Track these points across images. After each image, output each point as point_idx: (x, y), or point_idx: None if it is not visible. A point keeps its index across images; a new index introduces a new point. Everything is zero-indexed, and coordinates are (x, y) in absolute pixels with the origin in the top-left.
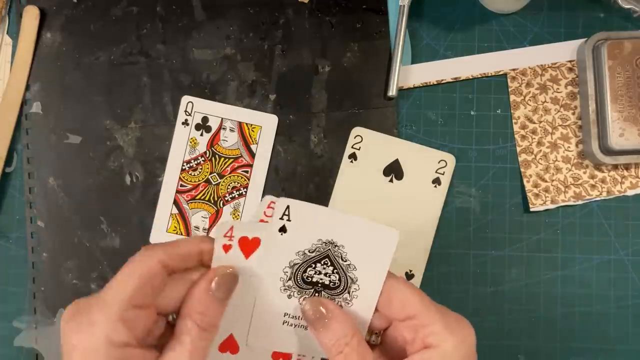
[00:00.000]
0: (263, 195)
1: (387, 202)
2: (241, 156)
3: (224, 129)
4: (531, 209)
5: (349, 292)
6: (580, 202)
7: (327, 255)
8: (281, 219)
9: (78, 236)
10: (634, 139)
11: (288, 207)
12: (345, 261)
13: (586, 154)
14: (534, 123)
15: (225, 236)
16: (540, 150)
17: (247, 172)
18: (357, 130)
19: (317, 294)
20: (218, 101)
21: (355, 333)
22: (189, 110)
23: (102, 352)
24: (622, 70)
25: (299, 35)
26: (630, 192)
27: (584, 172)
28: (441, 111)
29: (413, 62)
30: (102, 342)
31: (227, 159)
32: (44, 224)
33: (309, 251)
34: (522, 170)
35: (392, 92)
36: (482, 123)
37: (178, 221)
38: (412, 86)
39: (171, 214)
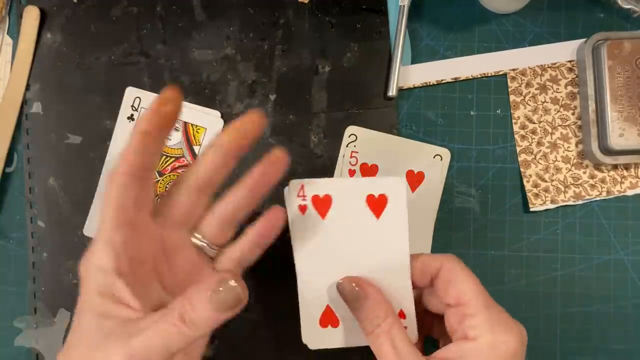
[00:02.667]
0: None
1: None
2: (183, 156)
3: None
4: (531, 209)
5: None
6: (580, 202)
7: None
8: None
9: (78, 236)
10: (634, 139)
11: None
12: None
13: (586, 154)
14: (534, 123)
15: (299, 196)
16: (540, 150)
17: None
18: (351, 129)
19: None
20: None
21: (387, 316)
22: (135, 105)
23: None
24: (621, 70)
25: (299, 35)
26: (630, 192)
27: (584, 172)
28: (441, 111)
29: (413, 62)
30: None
31: (168, 158)
32: (45, 224)
33: None
34: (522, 170)
35: (392, 92)
36: (482, 123)
37: None
38: (412, 86)
39: None
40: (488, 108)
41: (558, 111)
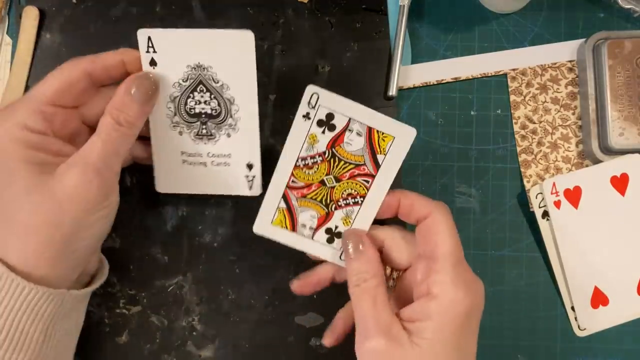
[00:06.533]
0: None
1: None
2: (364, 164)
3: (350, 130)
4: (531, 209)
5: (231, 116)
6: None
7: (200, 81)
8: (147, 52)
9: None
10: (634, 139)
11: (150, 37)
12: (218, 82)
13: (586, 154)
14: (534, 123)
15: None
16: (541, 150)
17: (367, 182)
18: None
19: (203, 126)
20: None
21: (375, 275)
22: (312, 102)
23: (19, 135)
24: (622, 69)
25: (298, 35)
26: None
27: None
28: (441, 111)
29: (413, 62)
30: (20, 127)
31: (347, 164)
32: None
33: (182, 81)
34: (522, 170)
35: (392, 92)
36: (482, 123)
37: (285, 216)
38: (412, 86)
39: (278, 207)
40: (488, 108)
41: (558, 111)
